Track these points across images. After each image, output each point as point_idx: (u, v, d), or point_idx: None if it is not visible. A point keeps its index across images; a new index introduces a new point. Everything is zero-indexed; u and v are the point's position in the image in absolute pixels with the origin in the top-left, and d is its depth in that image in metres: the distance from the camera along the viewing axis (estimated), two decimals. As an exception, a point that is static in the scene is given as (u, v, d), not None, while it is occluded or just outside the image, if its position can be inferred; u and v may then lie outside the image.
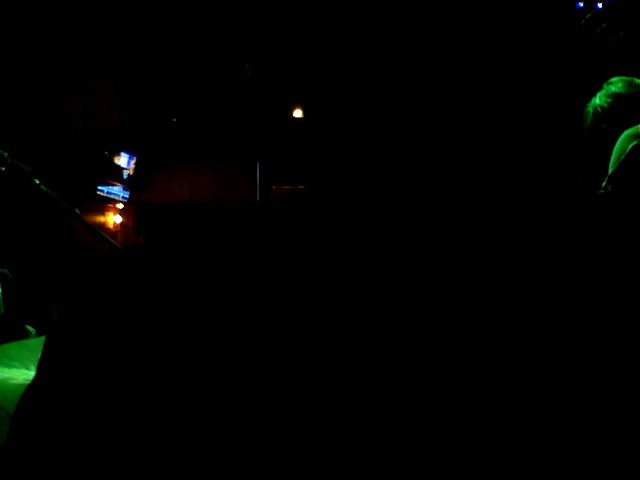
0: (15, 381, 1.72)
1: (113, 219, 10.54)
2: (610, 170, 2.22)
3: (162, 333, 0.57)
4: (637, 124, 2.25)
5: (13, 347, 1.84)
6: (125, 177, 10.68)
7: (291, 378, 0.55)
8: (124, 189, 10.71)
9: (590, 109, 2.39)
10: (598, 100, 2.39)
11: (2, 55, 8.78)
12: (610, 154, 2.24)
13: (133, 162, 10.76)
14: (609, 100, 2.36)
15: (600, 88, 2.41)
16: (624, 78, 2.43)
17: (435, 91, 0.61)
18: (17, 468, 0.58)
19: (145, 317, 0.58)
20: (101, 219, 10.29)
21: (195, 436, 0.55)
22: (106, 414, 0.56)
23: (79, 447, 0.56)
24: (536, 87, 0.63)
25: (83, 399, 0.57)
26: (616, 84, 2.40)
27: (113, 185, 10.45)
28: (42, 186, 2.27)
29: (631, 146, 2.17)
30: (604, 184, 2.22)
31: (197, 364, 0.56)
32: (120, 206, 10.66)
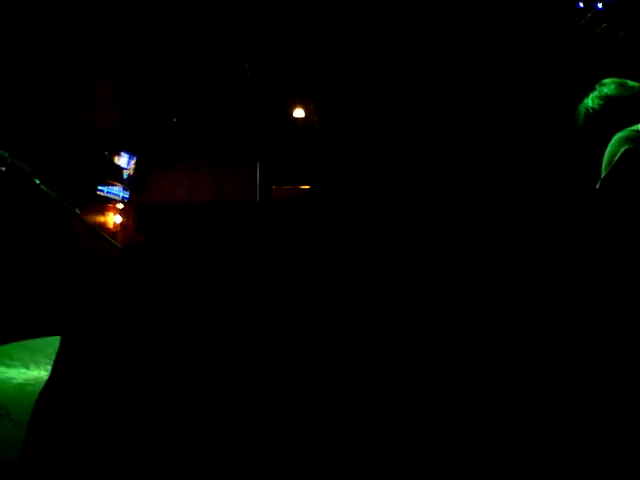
0: (15, 381, 1.72)
1: (113, 219, 10.54)
2: (603, 173, 2.21)
3: (168, 333, 0.57)
4: (629, 127, 2.23)
5: (13, 347, 1.85)
6: (125, 177, 10.68)
7: (294, 379, 0.56)
8: (124, 189, 10.71)
9: (582, 110, 2.37)
10: (590, 102, 2.37)
11: (2, 55, 8.77)
12: (601, 156, 2.22)
13: (133, 162, 10.76)
14: (601, 102, 2.34)
15: (593, 89, 2.39)
16: (616, 80, 2.41)
17: (433, 91, 0.61)
18: (36, 470, 0.58)
19: (153, 317, 0.58)
20: (101, 219, 10.28)
21: (206, 430, 0.55)
22: (121, 412, 0.56)
23: (97, 447, 0.56)
24: (533, 87, 0.63)
25: (97, 398, 0.57)
26: (608, 86, 2.38)
27: (113, 185, 10.45)
28: (42, 186, 2.27)
29: (623, 150, 2.16)
30: (597, 187, 2.21)
31: (202, 364, 0.56)
32: (120, 206, 10.66)
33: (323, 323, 0.56)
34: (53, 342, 1.80)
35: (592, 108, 2.35)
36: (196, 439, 0.55)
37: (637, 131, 2.20)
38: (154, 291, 0.59)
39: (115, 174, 10.41)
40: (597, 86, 2.40)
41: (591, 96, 2.38)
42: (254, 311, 0.57)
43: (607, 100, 2.34)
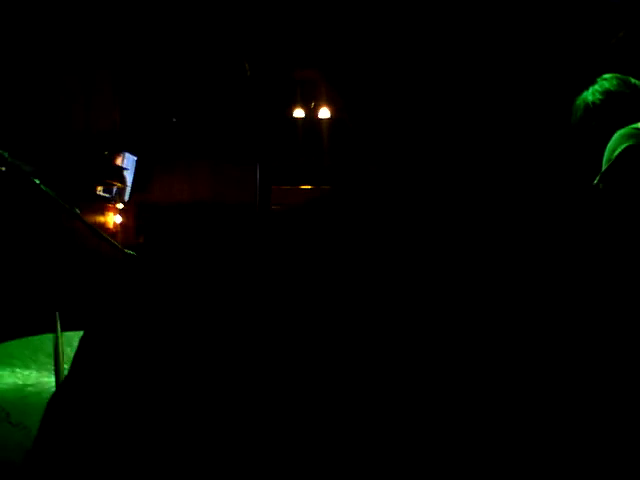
0: (15, 382, 1.72)
1: (113, 219, 10.54)
2: (603, 168, 2.21)
3: (176, 337, 0.57)
4: (628, 124, 2.22)
5: (14, 344, 1.84)
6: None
7: (296, 380, 0.56)
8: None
9: (581, 103, 2.36)
10: (590, 96, 2.35)
11: (3, 56, 8.78)
12: (599, 151, 2.21)
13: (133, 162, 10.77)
14: (601, 97, 2.33)
15: (593, 83, 2.38)
16: (618, 76, 2.40)
17: (432, 91, 0.61)
18: (47, 464, 0.58)
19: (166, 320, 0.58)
20: (101, 219, 10.29)
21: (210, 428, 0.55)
22: (132, 412, 0.57)
23: (111, 443, 0.56)
24: (532, 86, 0.64)
25: (114, 395, 0.57)
26: (610, 81, 2.37)
27: (113, 185, 10.45)
28: (42, 186, 2.27)
29: (624, 146, 2.15)
30: (596, 182, 2.20)
31: (206, 365, 0.56)
32: (120, 206, 10.66)
33: (327, 324, 0.56)
34: (54, 339, 1.80)
35: (592, 102, 2.33)
36: (209, 437, 0.55)
37: (639, 129, 2.19)
38: (170, 294, 0.59)
39: (115, 174, 10.41)
40: (598, 80, 2.39)
41: (591, 90, 2.37)
42: (260, 312, 0.57)
43: (607, 95, 2.33)
